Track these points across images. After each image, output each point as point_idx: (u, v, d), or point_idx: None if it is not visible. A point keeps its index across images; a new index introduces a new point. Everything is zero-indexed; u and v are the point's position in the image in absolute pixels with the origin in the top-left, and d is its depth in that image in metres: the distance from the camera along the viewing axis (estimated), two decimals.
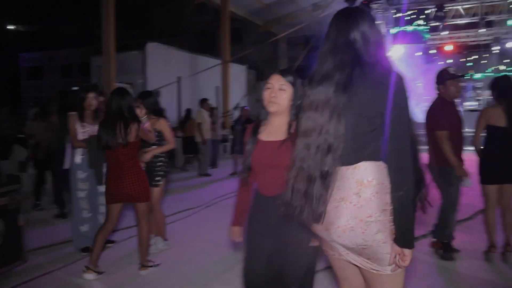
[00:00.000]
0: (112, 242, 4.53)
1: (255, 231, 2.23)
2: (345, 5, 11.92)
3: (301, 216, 1.67)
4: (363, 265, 1.68)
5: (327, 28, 1.76)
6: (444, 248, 3.98)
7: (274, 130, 2.21)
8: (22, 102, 25.34)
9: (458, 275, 3.70)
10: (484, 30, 14.52)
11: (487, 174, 3.87)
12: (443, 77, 3.90)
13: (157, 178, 4.07)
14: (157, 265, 3.82)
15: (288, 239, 2.14)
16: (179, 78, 12.83)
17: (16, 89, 28.96)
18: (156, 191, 4.08)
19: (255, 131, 2.25)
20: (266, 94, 2.21)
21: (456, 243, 4.12)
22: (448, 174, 3.77)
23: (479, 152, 3.94)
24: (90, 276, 3.58)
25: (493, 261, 3.85)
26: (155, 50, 13.25)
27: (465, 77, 16.05)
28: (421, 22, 13.71)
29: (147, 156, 3.95)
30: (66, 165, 4.43)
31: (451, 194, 3.85)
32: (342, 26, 1.71)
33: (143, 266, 3.70)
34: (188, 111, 12.07)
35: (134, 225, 4.34)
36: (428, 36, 14.07)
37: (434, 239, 4.08)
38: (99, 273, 3.63)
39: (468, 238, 4.51)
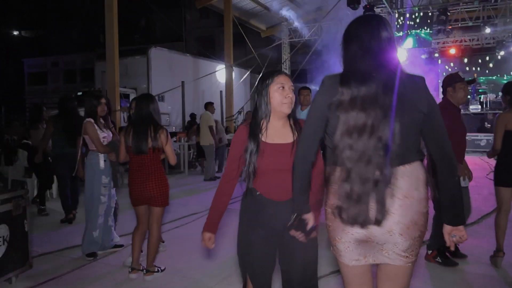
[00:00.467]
0: (120, 246, 4.53)
1: (259, 236, 2.17)
2: (348, 9, 11.95)
3: (358, 220, 1.65)
4: (396, 261, 1.73)
5: (353, 31, 1.76)
6: (441, 254, 3.91)
7: (279, 132, 2.16)
8: (26, 108, 25.44)
9: (464, 280, 3.67)
10: (487, 33, 14.51)
11: (503, 177, 3.87)
12: (453, 79, 3.88)
13: None
14: (163, 270, 3.81)
15: (295, 243, 2.08)
16: (183, 83, 12.85)
17: (20, 94, 29.07)
18: None
19: (255, 133, 2.15)
20: (278, 95, 2.13)
21: (463, 248, 4.10)
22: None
23: (496, 156, 3.96)
24: (134, 275, 3.70)
25: (499, 266, 3.81)
26: (158, 55, 13.28)
27: (475, 83, 16.12)
28: (424, 26, 13.70)
29: None
30: (75, 172, 4.40)
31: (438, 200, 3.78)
32: (373, 30, 1.73)
33: (148, 271, 3.69)
34: (193, 116, 12.08)
35: None
36: (431, 39, 14.05)
37: (429, 251, 3.99)
38: (141, 270, 3.72)
39: (475, 242, 4.48)
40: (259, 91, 2.18)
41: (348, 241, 1.74)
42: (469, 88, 4.03)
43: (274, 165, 2.11)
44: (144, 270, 3.70)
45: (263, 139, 2.13)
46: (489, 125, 14.69)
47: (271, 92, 2.14)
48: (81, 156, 4.88)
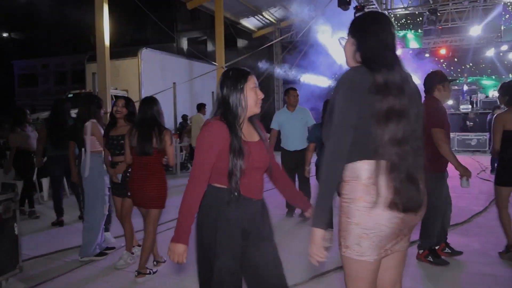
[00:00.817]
0: (112, 248, 4.50)
1: (243, 237, 2.06)
2: (338, 10, 11.99)
3: (413, 207, 1.73)
4: (404, 246, 1.87)
5: (368, 26, 1.81)
6: (432, 253, 3.92)
7: (249, 131, 2.14)
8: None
9: (455, 279, 3.69)
10: (476, 33, 14.65)
11: (503, 176, 3.93)
12: (443, 78, 3.90)
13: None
14: (154, 272, 3.79)
15: (272, 239, 2.15)
16: (174, 84, 12.83)
17: (10, 96, 28.81)
18: (128, 202, 3.98)
19: (236, 132, 2.03)
20: (254, 94, 2.10)
21: (454, 246, 4.13)
22: (430, 180, 3.69)
23: (497, 156, 4.05)
24: (158, 268, 3.91)
25: (495, 262, 3.86)
26: (149, 56, 13.24)
27: (458, 82, 16.28)
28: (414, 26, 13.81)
29: (121, 168, 3.92)
30: (86, 173, 4.32)
31: (433, 200, 3.78)
32: (386, 26, 1.81)
33: (140, 273, 3.66)
34: (184, 117, 12.02)
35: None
36: (420, 45, 14.14)
37: (420, 250, 3.99)
38: (163, 262, 3.98)
39: (466, 241, 4.52)
40: (233, 89, 2.07)
41: (378, 234, 1.71)
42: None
43: (258, 163, 2.09)
44: (136, 272, 3.68)
45: (243, 138, 2.07)
46: (471, 123, 14.84)
47: (248, 91, 2.09)
48: (74, 160, 4.85)
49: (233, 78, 2.09)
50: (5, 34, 30.16)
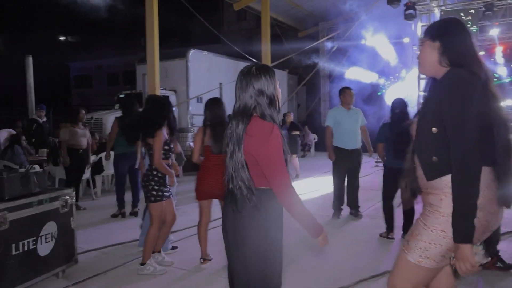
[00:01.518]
0: (175, 248, 4.60)
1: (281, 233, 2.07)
2: (388, 8, 11.67)
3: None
4: None
5: (455, 31, 1.87)
6: (500, 259, 3.73)
7: None
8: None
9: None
10: None
11: None
12: None
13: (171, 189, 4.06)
14: (211, 259, 4.02)
15: None
16: (221, 84, 12.99)
17: (66, 97, 30.32)
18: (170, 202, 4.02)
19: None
20: (279, 91, 2.05)
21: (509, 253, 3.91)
22: None
23: None
24: (205, 266, 4.00)
25: None
26: (197, 57, 13.48)
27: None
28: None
29: (177, 169, 4.11)
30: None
31: None
32: (469, 31, 1.89)
33: (205, 259, 4.01)
34: (230, 117, 12.11)
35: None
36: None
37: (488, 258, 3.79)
38: (210, 260, 4.05)
39: None
40: (268, 87, 1.99)
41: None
42: None
43: None
44: (201, 259, 4.01)
45: None
46: None
47: (277, 88, 2.03)
48: (142, 158, 5.03)
49: (264, 76, 1.99)
50: (62, 38, 31.78)
